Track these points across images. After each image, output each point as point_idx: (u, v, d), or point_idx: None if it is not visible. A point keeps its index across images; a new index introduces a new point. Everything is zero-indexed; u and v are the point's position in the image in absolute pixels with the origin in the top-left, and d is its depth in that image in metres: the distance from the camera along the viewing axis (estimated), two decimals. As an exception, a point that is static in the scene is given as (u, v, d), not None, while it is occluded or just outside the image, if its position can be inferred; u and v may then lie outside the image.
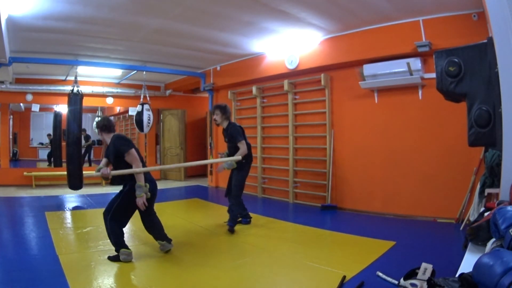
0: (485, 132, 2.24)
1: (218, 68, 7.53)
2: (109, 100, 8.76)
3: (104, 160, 3.24)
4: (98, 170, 3.08)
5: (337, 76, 5.55)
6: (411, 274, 2.41)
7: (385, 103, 5.00)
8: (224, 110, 4.21)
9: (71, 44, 5.75)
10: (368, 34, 4.88)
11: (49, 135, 10.64)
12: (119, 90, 8.73)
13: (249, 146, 4.17)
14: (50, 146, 10.64)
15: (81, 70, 7.05)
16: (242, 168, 4.14)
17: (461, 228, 3.94)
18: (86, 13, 4.33)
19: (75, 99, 5.97)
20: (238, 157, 3.91)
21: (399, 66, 4.58)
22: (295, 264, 3.04)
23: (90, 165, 9.95)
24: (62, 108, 9.19)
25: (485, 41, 2.24)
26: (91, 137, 10.57)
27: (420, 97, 4.64)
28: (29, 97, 7.89)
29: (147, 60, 7.13)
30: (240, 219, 4.32)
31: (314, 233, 4.09)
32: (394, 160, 4.87)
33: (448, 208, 4.34)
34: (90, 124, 11.70)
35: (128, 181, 3.02)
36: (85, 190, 6.51)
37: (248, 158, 4.19)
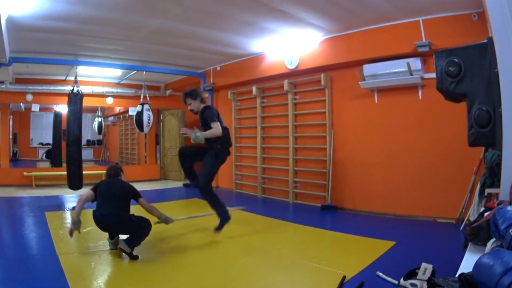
0: (485, 132, 2.24)
1: (218, 68, 7.52)
2: (109, 100, 8.77)
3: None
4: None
5: (337, 76, 5.55)
6: (411, 274, 2.41)
7: (385, 103, 5.00)
8: (195, 94, 3.70)
9: (71, 44, 5.75)
10: (368, 34, 4.88)
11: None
12: (119, 90, 8.72)
13: (226, 131, 3.71)
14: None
15: (81, 70, 7.04)
16: (216, 156, 3.65)
17: (461, 228, 3.94)
18: (86, 13, 4.33)
19: (75, 99, 5.96)
20: (207, 132, 3.51)
21: (399, 66, 4.58)
22: (295, 264, 3.04)
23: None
24: (62, 108, 9.20)
25: (485, 41, 2.24)
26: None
27: (420, 97, 4.64)
28: (29, 97, 7.89)
29: (147, 60, 7.13)
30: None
31: (314, 233, 4.09)
32: (394, 160, 4.87)
33: (448, 208, 4.34)
34: (90, 124, 11.70)
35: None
36: (85, 190, 6.50)
37: (224, 144, 3.70)
